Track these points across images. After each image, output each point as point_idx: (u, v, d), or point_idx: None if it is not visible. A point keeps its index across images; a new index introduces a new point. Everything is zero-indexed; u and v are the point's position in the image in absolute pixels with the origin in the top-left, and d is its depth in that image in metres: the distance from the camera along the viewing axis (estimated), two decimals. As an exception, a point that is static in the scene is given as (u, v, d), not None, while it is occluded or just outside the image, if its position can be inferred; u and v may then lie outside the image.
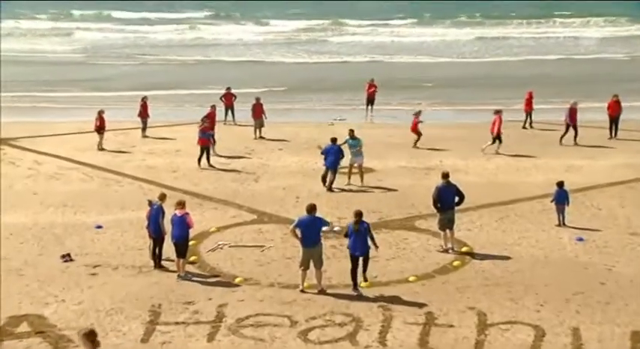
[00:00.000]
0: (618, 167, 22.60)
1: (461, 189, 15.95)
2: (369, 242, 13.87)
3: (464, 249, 15.91)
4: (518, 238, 16.60)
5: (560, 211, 17.32)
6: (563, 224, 17.25)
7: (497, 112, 24.58)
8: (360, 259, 13.88)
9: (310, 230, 13.73)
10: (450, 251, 15.77)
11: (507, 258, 15.45)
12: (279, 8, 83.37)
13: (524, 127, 28.45)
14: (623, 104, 27.29)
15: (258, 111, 27.72)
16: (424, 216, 18.01)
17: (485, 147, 24.49)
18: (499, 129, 24.24)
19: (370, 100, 32.01)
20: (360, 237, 13.71)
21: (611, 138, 26.62)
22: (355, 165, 20.98)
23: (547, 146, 25.59)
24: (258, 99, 28.17)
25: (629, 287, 13.85)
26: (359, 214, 13.76)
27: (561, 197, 17.33)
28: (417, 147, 25.27)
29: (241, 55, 53.40)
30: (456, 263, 15.19)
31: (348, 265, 14.03)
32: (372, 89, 31.91)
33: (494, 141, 24.41)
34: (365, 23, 71.75)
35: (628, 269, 14.68)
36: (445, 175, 16.01)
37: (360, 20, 73.12)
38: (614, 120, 26.82)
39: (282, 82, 40.94)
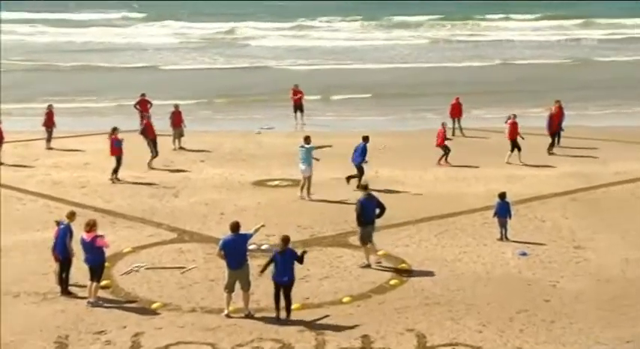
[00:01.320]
0: (562, 176, 23.34)
1: (381, 201, 16.25)
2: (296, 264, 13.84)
3: (401, 266, 16.13)
4: (459, 254, 16.93)
5: (502, 224, 17.77)
6: (506, 238, 17.70)
7: (510, 118, 25.23)
8: (283, 289, 13.73)
9: (236, 250, 13.70)
10: (375, 264, 16.03)
11: (448, 275, 15.73)
12: (191, 8, 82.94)
13: (452, 135, 29.16)
14: (566, 111, 28.17)
15: (177, 119, 27.57)
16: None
17: (507, 158, 24.99)
18: (514, 135, 24.91)
19: (298, 107, 32.21)
20: (284, 264, 13.65)
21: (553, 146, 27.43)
22: (306, 175, 21.07)
23: (487, 155, 26.23)
24: (176, 107, 28.02)
25: (574, 304, 14.30)
26: (285, 240, 13.76)
27: (503, 209, 17.78)
28: (444, 164, 24.85)
29: (149, 60, 52.78)
30: (393, 281, 15.37)
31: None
32: (298, 95, 32.13)
33: (513, 149, 25.00)
34: (287, 25, 72.10)
35: (573, 285, 15.15)
36: (365, 187, 16.51)
37: (282, 22, 73.40)
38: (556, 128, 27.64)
39: (200, 89, 40.77)
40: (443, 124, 25.85)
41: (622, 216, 19.24)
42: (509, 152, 25.01)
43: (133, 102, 30.54)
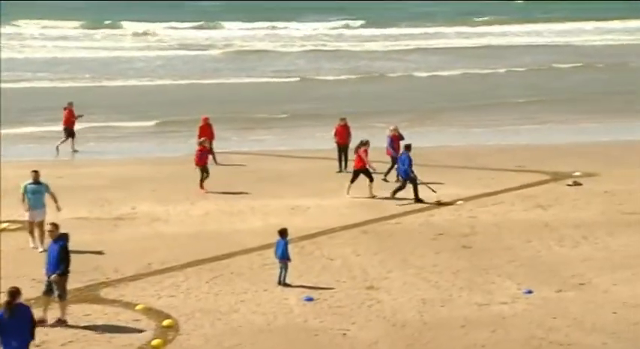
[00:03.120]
0: (351, 206, 24.02)
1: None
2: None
3: (166, 323, 15.79)
4: (235, 303, 16.86)
5: (283, 266, 17.89)
6: (284, 283, 17.75)
7: (364, 144, 25.09)
8: None
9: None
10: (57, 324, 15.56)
11: (222, 329, 15.56)
12: None
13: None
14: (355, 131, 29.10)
15: None
16: (112, 283, 17.69)
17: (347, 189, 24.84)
18: (363, 164, 24.85)
19: (71, 131, 31.69)
20: (15, 327, 12.74)
21: (340, 171, 28.20)
22: (37, 220, 20.01)
23: (262, 183, 26.60)
24: None
25: (367, 355, 14.64)
26: (13, 294, 12.86)
27: (280, 248, 17.87)
28: (203, 190, 25.15)
29: None
30: (155, 342, 14.98)
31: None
32: (76, 117, 31.66)
33: (354, 179, 24.95)
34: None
35: (365, 333, 15.46)
36: (55, 226, 16.13)
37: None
38: (343, 149, 28.49)
39: None
40: (201, 143, 26.07)
41: (417, 250, 20.03)
42: (350, 183, 24.95)
43: None
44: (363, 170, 25.01)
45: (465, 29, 76.67)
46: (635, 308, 16.38)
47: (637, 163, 28.65)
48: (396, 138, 26.86)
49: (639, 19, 79.63)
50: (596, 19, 79.66)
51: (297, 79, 51.31)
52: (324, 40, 71.45)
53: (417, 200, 24.20)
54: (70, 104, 31.94)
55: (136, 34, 72.60)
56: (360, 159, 25.01)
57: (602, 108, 40.95)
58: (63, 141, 31.76)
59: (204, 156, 25.86)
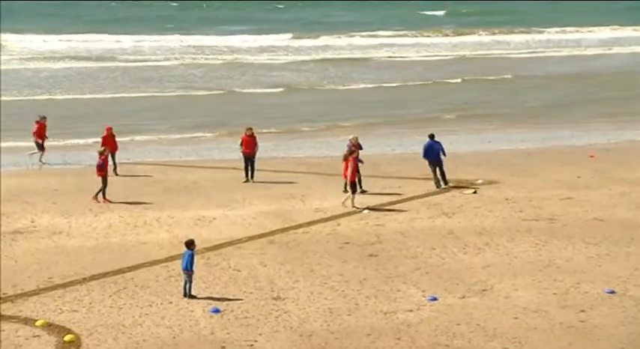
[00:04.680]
0: (258, 217, 23.97)
1: None
2: None
3: (67, 338, 15.54)
4: (140, 316, 16.66)
5: (188, 278, 17.73)
6: (190, 295, 17.59)
7: (351, 153, 24.77)
8: None
9: None
10: None
11: (126, 343, 15.35)
12: None
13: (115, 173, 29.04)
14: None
15: None
16: (11, 298, 17.29)
17: (344, 200, 24.51)
18: (353, 177, 24.44)
19: (42, 144, 31.44)
20: None
21: (247, 181, 28.19)
22: None
23: (167, 194, 26.41)
24: None
25: (275, 366, 14.61)
26: None
27: (186, 260, 17.69)
28: (102, 201, 24.99)
29: None
30: (57, 358, 14.72)
31: None
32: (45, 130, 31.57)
33: (354, 190, 24.47)
34: None
35: (272, 344, 15.44)
36: None
37: None
38: (249, 159, 28.45)
39: None
40: (101, 152, 25.79)
41: (323, 259, 20.09)
42: (351, 194, 24.50)
43: None
44: (351, 181, 24.54)
45: (376, 41, 77.20)
46: (535, 313, 16.75)
47: (536, 171, 29.34)
48: (356, 148, 26.52)
49: (541, 33, 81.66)
50: (502, 32, 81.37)
51: (199, 91, 51.00)
52: (224, 51, 71.02)
53: (445, 182, 26.80)
54: (43, 118, 31.65)
55: (19, 46, 70.57)
56: (348, 167, 24.56)
57: (503, 118, 41.84)
58: (33, 153, 31.45)
59: (104, 166, 25.49)
